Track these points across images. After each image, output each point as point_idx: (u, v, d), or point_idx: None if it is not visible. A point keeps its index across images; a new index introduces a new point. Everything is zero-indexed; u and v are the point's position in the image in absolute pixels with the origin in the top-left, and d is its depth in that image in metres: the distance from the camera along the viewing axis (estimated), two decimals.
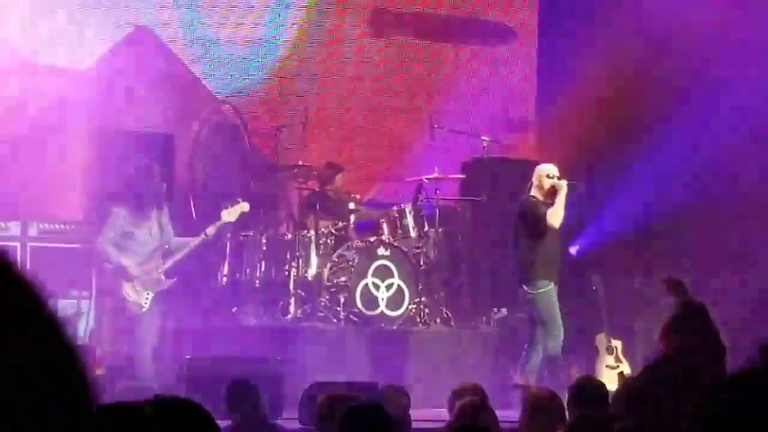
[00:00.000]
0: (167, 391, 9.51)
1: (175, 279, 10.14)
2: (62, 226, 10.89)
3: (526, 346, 9.84)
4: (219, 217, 10.21)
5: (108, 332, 10.45)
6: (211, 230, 10.11)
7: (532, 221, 9.71)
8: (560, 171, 10.09)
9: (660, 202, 12.37)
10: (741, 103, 12.07)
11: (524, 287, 9.76)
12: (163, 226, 10.00)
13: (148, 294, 9.84)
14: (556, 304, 9.72)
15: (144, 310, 9.83)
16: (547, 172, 9.89)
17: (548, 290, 9.69)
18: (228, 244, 11.37)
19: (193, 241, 10.12)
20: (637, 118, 12.72)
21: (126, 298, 9.83)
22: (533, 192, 9.85)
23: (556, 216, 9.66)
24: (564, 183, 9.76)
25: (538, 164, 10.33)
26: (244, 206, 10.37)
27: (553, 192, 9.76)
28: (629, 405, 4.48)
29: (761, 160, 12.18)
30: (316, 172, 11.65)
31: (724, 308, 10.54)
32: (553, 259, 9.80)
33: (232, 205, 10.28)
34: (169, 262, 10.03)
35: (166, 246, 10.01)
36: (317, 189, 11.52)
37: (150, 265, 9.93)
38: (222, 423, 2.39)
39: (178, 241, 10.10)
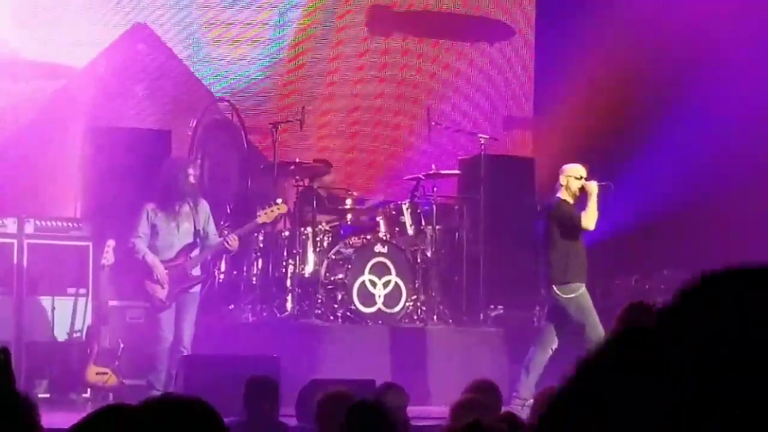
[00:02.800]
0: (164, 387, 9.52)
1: (203, 276, 10.07)
2: (59, 223, 10.86)
3: (534, 342, 9.79)
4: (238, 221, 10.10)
5: (105, 329, 10.42)
6: (240, 232, 10.03)
7: (570, 223, 9.67)
8: (556, 169, 10.07)
9: (657, 200, 12.37)
10: (740, 101, 12.07)
11: (556, 290, 9.68)
12: (198, 223, 9.91)
13: (172, 290, 9.76)
14: (590, 304, 9.66)
15: (166, 305, 9.77)
16: (576, 174, 9.80)
17: (580, 293, 9.65)
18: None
19: (221, 241, 10.02)
20: (634, 116, 12.73)
21: (151, 293, 9.77)
22: (561, 193, 9.77)
23: (591, 218, 9.63)
24: (595, 184, 9.71)
25: (547, 163, 10.18)
26: (282, 207, 10.23)
27: (582, 193, 9.72)
28: None
29: (761, 159, 12.18)
30: (307, 169, 11.59)
31: None
32: (583, 261, 9.79)
33: (269, 206, 10.18)
34: (198, 260, 9.95)
35: (199, 242, 9.96)
36: (313, 186, 11.49)
37: (177, 260, 9.85)
38: (225, 420, 2.38)
39: (212, 239, 10.01)
